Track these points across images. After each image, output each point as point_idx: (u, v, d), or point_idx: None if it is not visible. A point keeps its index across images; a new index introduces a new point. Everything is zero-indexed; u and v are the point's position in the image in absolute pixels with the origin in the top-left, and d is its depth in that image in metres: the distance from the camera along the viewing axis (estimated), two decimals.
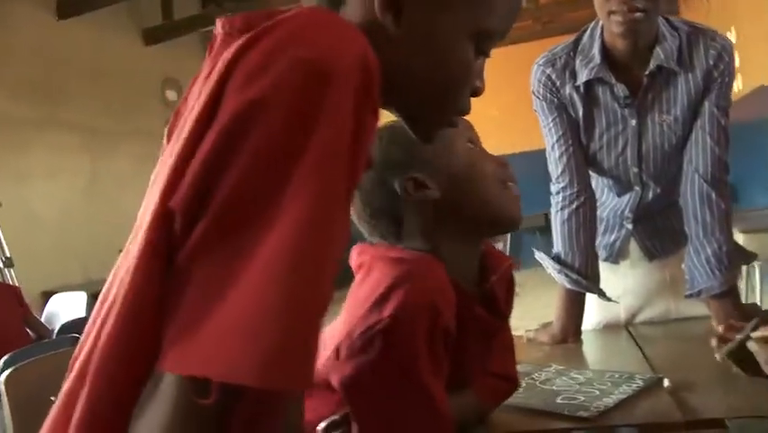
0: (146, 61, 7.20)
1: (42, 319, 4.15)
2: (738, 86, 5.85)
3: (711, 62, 1.45)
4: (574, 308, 1.58)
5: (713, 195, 1.48)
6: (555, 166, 1.59)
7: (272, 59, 0.52)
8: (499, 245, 8.58)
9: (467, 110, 0.72)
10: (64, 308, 4.28)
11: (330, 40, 0.55)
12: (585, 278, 1.56)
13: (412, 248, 0.96)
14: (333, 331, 0.93)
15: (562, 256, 1.58)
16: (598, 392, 1.13)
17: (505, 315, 1.01)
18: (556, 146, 1.57)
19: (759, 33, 5.07)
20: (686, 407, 1.05)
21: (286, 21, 0.56)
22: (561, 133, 1.56)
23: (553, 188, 1.60)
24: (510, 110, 7.51)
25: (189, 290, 0.50)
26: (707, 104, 1.48)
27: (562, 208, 1.58)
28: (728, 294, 1.49)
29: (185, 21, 7.27)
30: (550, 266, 1.60)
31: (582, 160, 1.58)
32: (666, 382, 1.13)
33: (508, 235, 8.08)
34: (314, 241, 0.50)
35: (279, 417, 0.63)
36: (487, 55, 0.71)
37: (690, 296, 1.53)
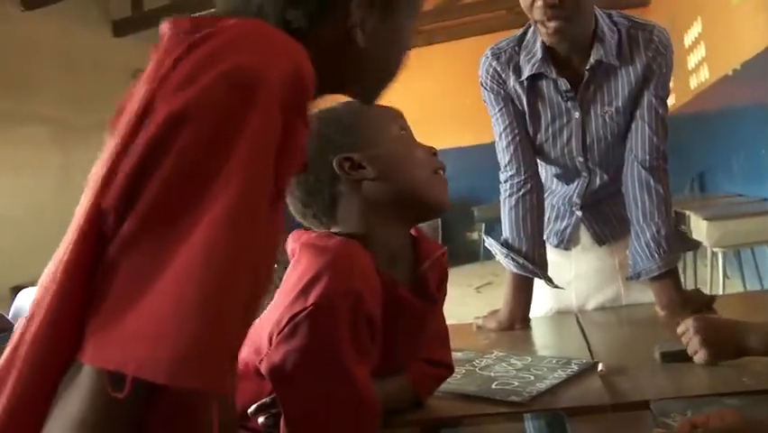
0: (116, 53, 7.12)
1: (11, 314, 4.12)
2: (705, 75, 5.92)
3: (650, 55, 1.50)
4: (521, 294, 1.61)
5: (651, 181, 1.53)
6: (503, 155, 1.62)
7: (201, 72, 0.55)
8: (474, 235, 8.71)
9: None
10: (31, 302, 4.24)
11: (260, 55, 0.57)
12: (532, 263, 1.59)
13: (344, 231, 0.98)
14: (267, 318, 0.95)
15: (510, 241, 1.61)
16: (532, 378, 1.15)
17: (435, 300, 1.03)
18: (503, 135, 1.60)
19: (724, 24, 5.14)
20: (615, 390, 1.08)
21: (222, 31, 0.58)
22: (507, 122, 1.59)
23: (502, 176, 1.64)
24: None
25: (113, 283, 0.52)
26: (646, 94, 1.53)
27: (509, 195, 1.61)
28: (668, 276, 1.53)
29: (155, 12, 7.19)
30: (497, 251, 1.63)
31: (529, 148, 1.61)
32: (600, 367, 1.16)
33: (483, 225, 8.25)
34: (231, 245, 0.52)
35: (201, 414, 0.64)
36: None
37: (631, 278, 1.57)
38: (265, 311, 0.99)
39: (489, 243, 1.66)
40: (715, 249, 3.94)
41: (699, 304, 1.53)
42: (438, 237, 9.68)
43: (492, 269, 6.74)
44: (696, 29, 6.09)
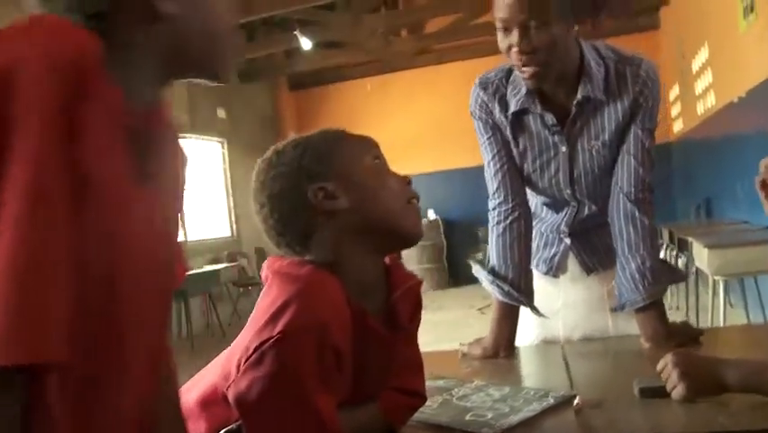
0: None
1: None
2: (712, 101, 5.92)
3: (637, 89, 1.50)
4: (506, 322, 1.60)
5: (636, 213, 1.53)
6: (491, 183, 1.63)
7: None
8: (479, 256, 8.69)
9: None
10: None
11: (21, 47, 0.59)
12: (517, 291, 1.59)
13: (317, 260, 0.99)
14: (239, 344, 0.95)
15: (496, 269, 1.61)
16: (508, 409, 1.14)
17: (405, 330, 1.03)
18: (491, 163, 1.61)
19: (730, 51, 5.14)
20: (588, 426, 1.07)
21: (3, 30, 0.61)
22: (495, 151, 1.60)
23: (490, 204, 1.64)
24: None
25: None
26: (632, 127, 1.53)
27: (497, 223, 1.62)
28: (653, 308, 1.52)
29: None
30: (483, 278, 1.62)
31: (517, 177, 1.61)
32: (577, 400, 1.15)
33: (487, 247, 8.24)
34: (30, 241, 0.56)
35: (109, 396, 0.69)
36: None
37: (616, 309, 1.57)
38: (238, 337, 1.00)
39: (476, 269, 1.66)
40: (716, 277, 3.91)
41: (685, 337, 1.52)
42: (443, 257, 9.73)
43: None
44: (703, 54, 6.09)
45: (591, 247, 1.71)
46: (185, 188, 0.89)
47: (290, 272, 0.94)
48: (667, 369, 1.15)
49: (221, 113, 9.10)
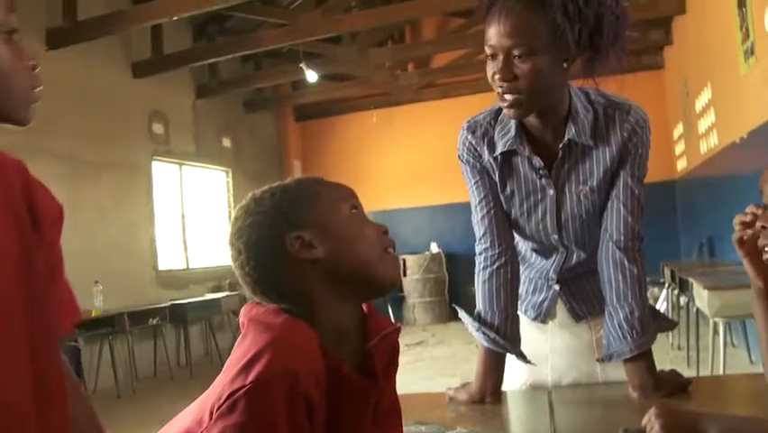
0: (134, 94, 7.28)
1: None
2: (715, 141, 5.94)
3: (626, 135, 1.49)
4: (493, 367, 1.59)
5: (625, 261, 1.51)
6: (478, 227, 1.62)
7: None
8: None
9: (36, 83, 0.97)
10: None
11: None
12: (503, 338, 1.57)
13: (292, 308, 0.99)
14: (214, 389, 0.95)
15: (482, 315, 1.60)
16: None
17: (381, 378, 1.03)
18: (478, 208, 1.61)
19: (732, 92, 5.17)
20: None
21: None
22: (483, 195, 1.59)
23: (477, 248, 1.63)
24: None
25: None
26: (622, 174, 1.52)
27: (483, 268, 1.61)
28: (641, 358, 1.50)
29: (175, 55, 7.38)
30: (469, 324, 1.61)
31: (505, 222, 1.61)
32: None
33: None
34: None
35: None
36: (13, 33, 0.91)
37: (604, 360, 1.55)
38: (214, 382, 1.00)
39: (462, 315, 1.65)
40: (716, 319, 3.89)
41: (673, 387, 1.51)
42: (445, 290, 9.71)
43: None
44: (706, 95, 6.13)
45: (581, 295, 1.69)
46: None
47: (266, 321, 0.95)
48: (650, 422, 1.14)
49: (226, 142, 9.17)
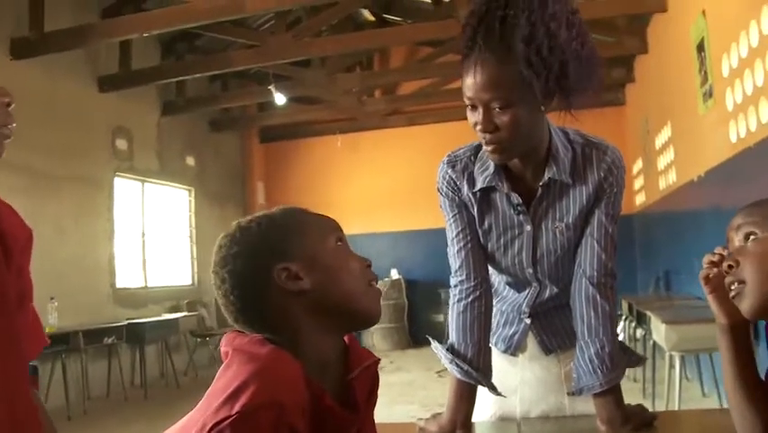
0: (99, 108, 7.19)
1: None
2: (673, 178, 6.09)
3: (602, 174, 1.53)
4: (464, 399, 1.60)
5: (598, 297, 1.54)
6: (454, 260, 1.64)
7: None
8: (440, 317, 8.66)
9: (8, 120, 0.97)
10: None
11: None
12: (476, 370, 1.59)
13: (275, 338, 0.99)
14: (194, 418, 0.94)
15: (456, 346, 1.61)
16: None
17: (361, 410, 1.03)
18: (455, 241, 1.63)
19: (691, 132, 5.32)
20: None
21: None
22: (459, 229, 1.62)
23: (452, 281, 1.65)
24: None
25: None
26: (596, 212, 1.55)
27: (458, 301, 1.63)
28: (610, 393, 1.53)
29: (142, 71, 7.32)
30: (443, 356, 1.63)
31: (480, 255, 1.63)
32: None
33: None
34: None
35: None
36: None
37: (573, 393, 1.57)
38: (192, 411, 0.99)
39: (435, 346, 1.66)
40: (672, 352, 3.97)
41: (640, 421, 1.53)
42: (404, 317, 9.72)
43: None
44: (666, 133, 6.30)
45: (551, 328, 1.72)
46: None
47: (250, 351, 0.95)
48: None
49: (190, 161, 9.09)
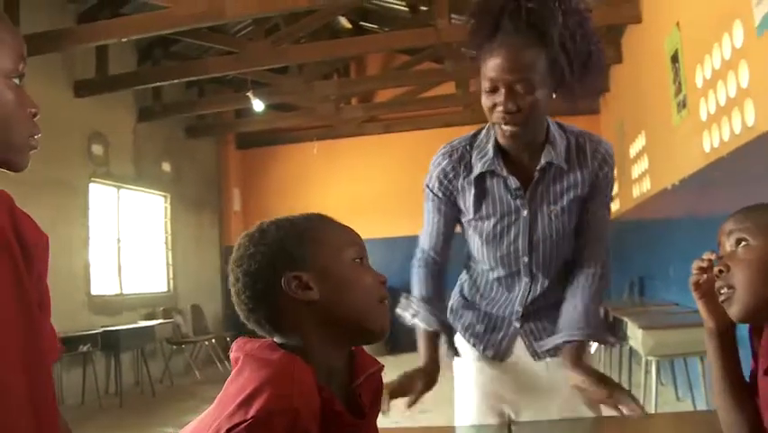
0: (74, 113, 7.11)
1: None
2: (647, 186, 6.19)
3: (596, 164, 1.62)
4: (432, 342, 1.71)
5: (592, 271, 1.65)
6: (424, 238, 1.75)
7: None
8: None
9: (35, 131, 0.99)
10: None
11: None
12: (440, 311, 1.72)
13: (285, 343, 1.00)
14: (205, 422, 0.96)
15: (424, 294, 1.73)
16: None
17: (367, 416, 1.05)
18: (429, 224, 1.74)
19: (665, 141, 5.42)
20: None
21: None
22: (437, 218, 1.72)
23: (417, 252, 1.76)
24: None
25: None
26: (592, 200, 1.65)
27: (419, 265, 1.75)
28: (582, 349, 1.62)
29: (119, 76, 7.26)
30: (408, 316, 1.73)
31: (447, 245, 1.75)
32: None
33: None
34: None
35: None
36: (21, 78, 0.97)
37: (548, 351, 1.69)
38: (202, 415, 1.01)
39: (400, 308, 1.76)
40: (649, 357, 4.04)
41: (615, 385, 1.56)
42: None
43: None
44: (640, 142, 6.41)
45: (542, 332, 1.75)
46: None
47: (262, 357, 0.96)
48: None
49: (166, 167, 9.03)
